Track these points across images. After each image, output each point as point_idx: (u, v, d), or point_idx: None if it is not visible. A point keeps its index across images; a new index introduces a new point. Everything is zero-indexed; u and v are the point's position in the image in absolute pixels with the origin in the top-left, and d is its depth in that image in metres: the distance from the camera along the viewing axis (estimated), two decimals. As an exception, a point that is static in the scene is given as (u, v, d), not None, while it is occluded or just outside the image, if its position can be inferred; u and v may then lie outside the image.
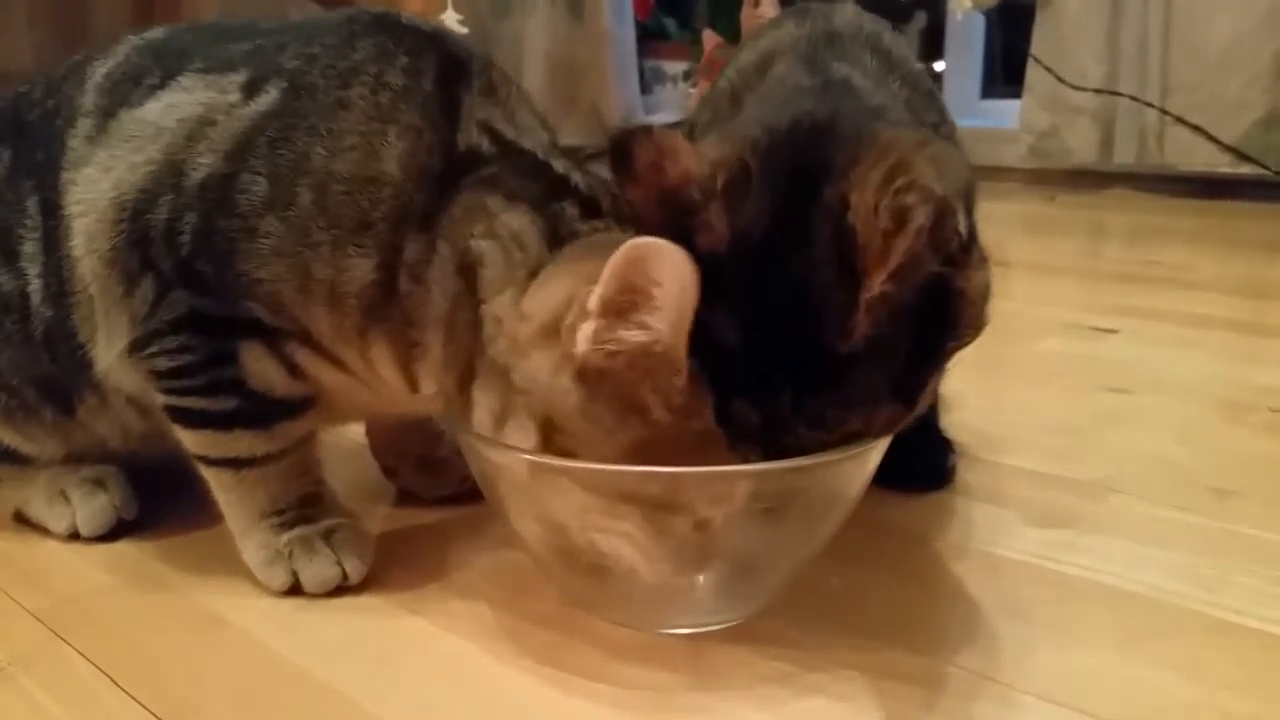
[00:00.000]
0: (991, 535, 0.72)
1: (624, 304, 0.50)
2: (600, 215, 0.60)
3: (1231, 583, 0.65)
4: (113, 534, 0.75)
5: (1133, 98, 2.14)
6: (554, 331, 0.54)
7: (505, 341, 0.57)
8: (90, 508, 0.74)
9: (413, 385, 0.63)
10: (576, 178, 0.62)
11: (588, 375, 0.53)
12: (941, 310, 0.53)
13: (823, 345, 0.51)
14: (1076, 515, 0.75)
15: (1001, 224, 1.94)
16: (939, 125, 0.70)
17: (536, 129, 0.65)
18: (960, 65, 2.74)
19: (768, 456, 0.54)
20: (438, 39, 0.65)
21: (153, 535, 0.75)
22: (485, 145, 0.62)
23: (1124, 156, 2.20)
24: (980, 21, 2.66)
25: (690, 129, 0.74)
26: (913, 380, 0.55)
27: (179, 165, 0.62)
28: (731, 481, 0.55)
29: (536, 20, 3.06)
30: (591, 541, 0.56)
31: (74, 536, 0.74)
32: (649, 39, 3.19)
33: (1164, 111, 2.09)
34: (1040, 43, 2.27)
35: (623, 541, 0.55)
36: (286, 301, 0.62)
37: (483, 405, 0.58)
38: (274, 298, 0.62)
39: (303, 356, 0.64)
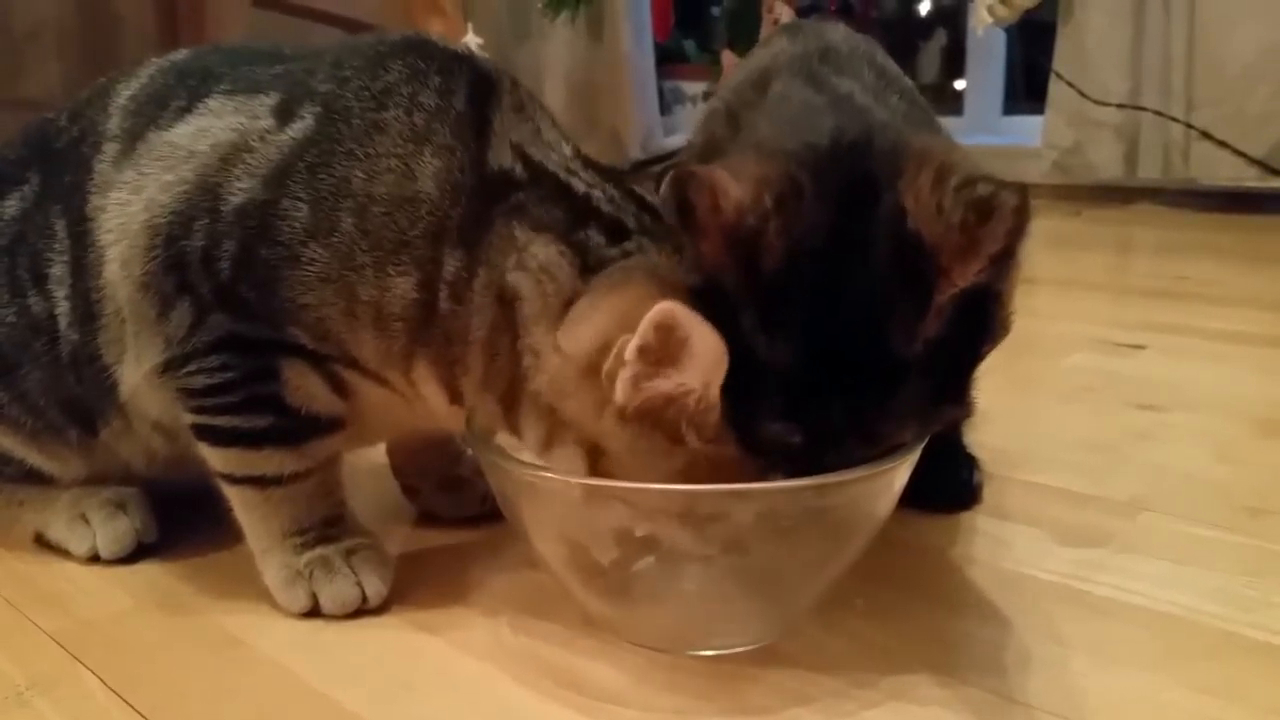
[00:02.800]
0: (1021, 555, 0.71)
1: (662, 357, 0.51)
2: (627, 236, 0.59)
3: (1270, 603, 0.64)
4: (132, 557, 0.75)
5: (1157, 112, 2.12)
6: (594, 372, 0.55)
7: (546, 378, 0.58)
8: (111, 530, 0.74)
9: (455, 400, 0.63)
10: (598, 196, 0.61)
11: (630, 416, 0.54)
12: (980, 312, 0.53)
13: (884, 354, 0.52)
14: (1108, 534, 0.74)
15: (1028, 240, 1.91)
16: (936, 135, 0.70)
17: (560, 144, 0.64)
18: (982, 82, 2.73)
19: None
20: (467, 59, 0.65)
21: (172, 558, 0.75)
22: (518, 169, 0.62)
23: (1149, 171, 2.18)
24: (1001, 38, 2.66)
25: (689, 152, 0.74)
26: (958, 381, 0.55)
27: (214, 189, 0.62)
28: (758, 499, 0.55)
29: (556, 43, 3.07)
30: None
31: (94, 559, 0.74)
32: (668, 60, 3.20)
33: (1189, 126, 2.07)
34: (1062, 58, 2.26)
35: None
36: (333, 327, 0.62)
37: (529, 434, 0.60)
38: (320, 324, 0.62)
39: (347, 375, 0.64)
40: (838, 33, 0.72)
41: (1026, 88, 2.73)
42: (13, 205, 0.72)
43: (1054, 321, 1.35)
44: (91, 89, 0.73)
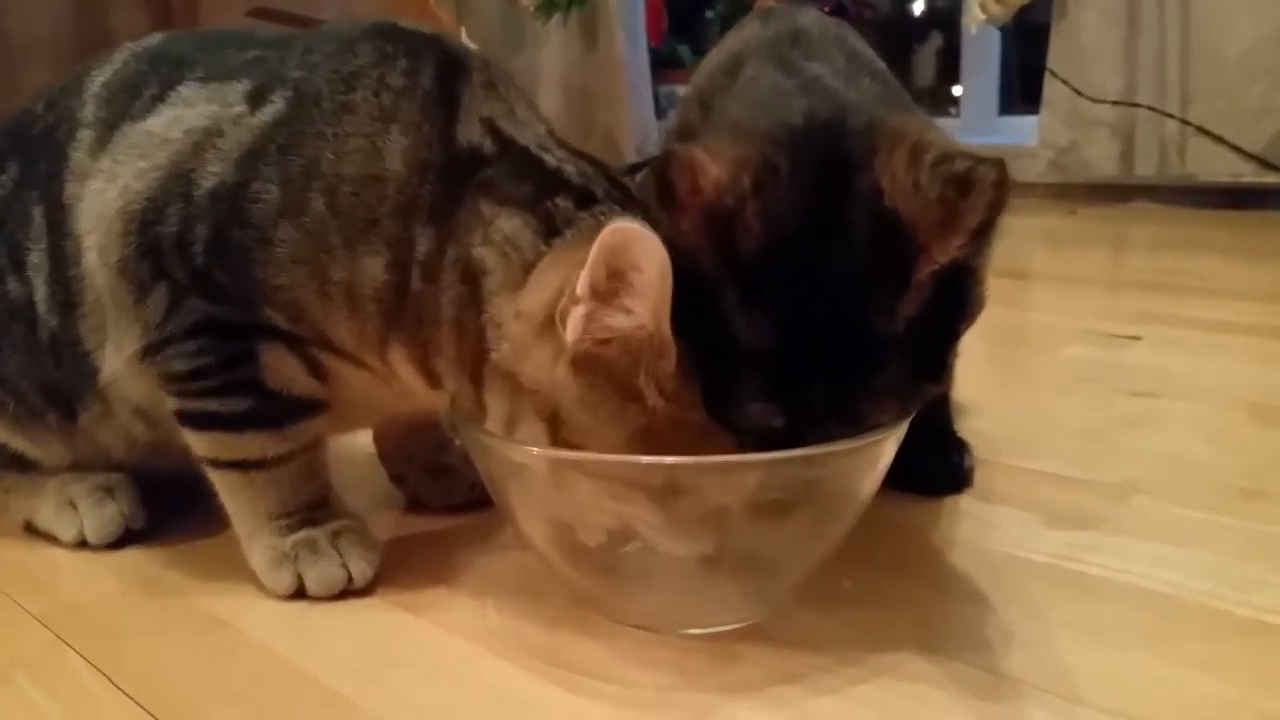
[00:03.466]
0: (1011, 537, 0.71)
1: (607, 289, 0.51)
2: (596, 202, 0.59)
3: (1263, 582, 0.63)
4: (120, 543, 0.74)
5: (1152, 108, 2.12)
6: (551, 324, 0.55)
7: (507, 345, 0.57)
8: (98, 516, 0.74)
9: (432, 382, 0.63)
10: (569, 169, 0.61)
11: (582, 363, 0.53)
12: (957, 290, 0.53)
13: (864, 333, 0.52)
14: (1100, 517, 0.73)
15: (1021, 238, 1.92)
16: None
17: (533, 123, 0.64)
18: (977, 83, 2.73)
19: None
20: (436, 39, 0.65)
21: (160, 544, 0.75)
22: (487, 144, 0.62)
23: (1145, 169, 2.18)
24: (996, 40, 2.66)
25: (664, 137, 0.74)
26: (936, 359, 0.55)
27: (187, 175, 0.62)
28: (741, 471, 0.54)
29: (551, 49, 3.08)
30: (602, 527, 0.56)
31: (81, 545, 0.74)
32: (662, 65, 3.20)
33: (1184, 122, 2.07)
34: (1057, 57, 2.26)
35: (638, 522, 0.55)
36: (307, 309, 0.62)
37: (494, 411, 0.58)
38: (294, 306, 0.62)
39: (324, 357, 0.64)
40: (809, 16, 0.72)
41: (1022, 89, 2.73)
42: None
43: (1048, 315, 1.35)
44: (67, 77, 0.73)
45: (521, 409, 0.57)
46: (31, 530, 0.77)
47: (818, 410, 0.53)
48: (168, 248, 0.62)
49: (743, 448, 0.55)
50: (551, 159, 0.61)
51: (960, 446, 0.81)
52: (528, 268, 0.58)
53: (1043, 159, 2.32)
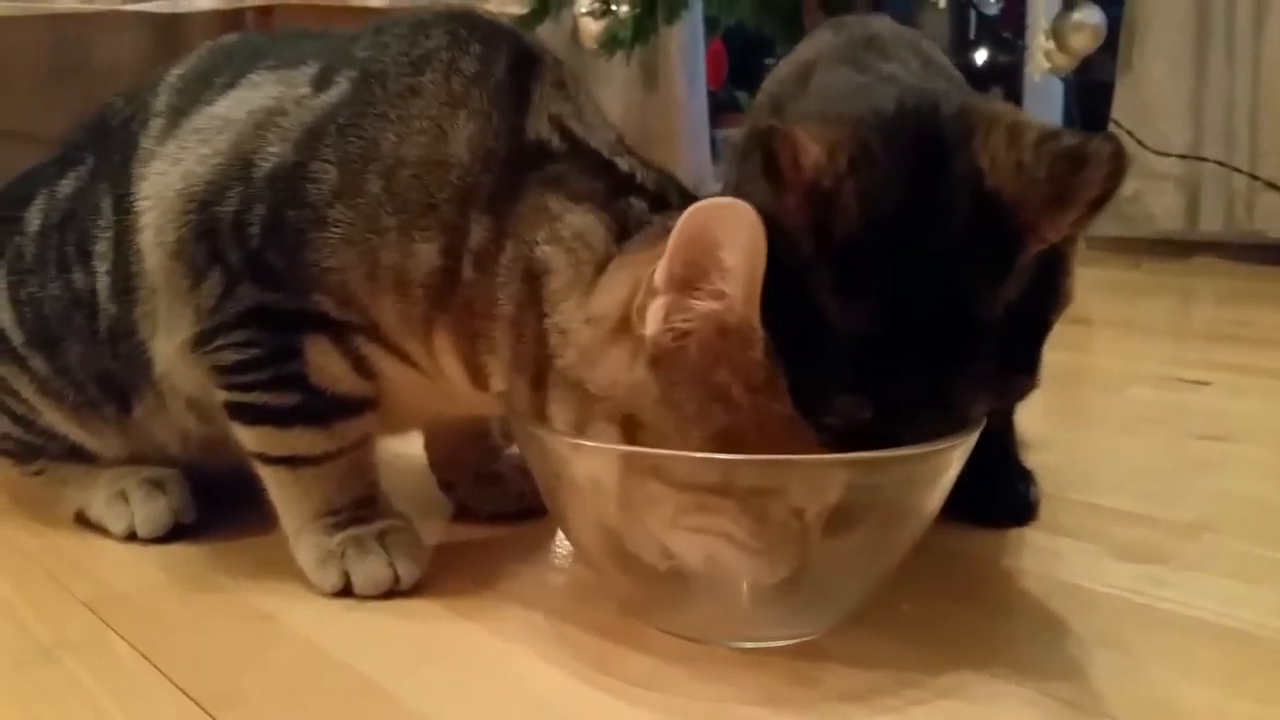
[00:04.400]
0: (1078, 568, 0.68)
1: (691, 274, 0.49)
2: (670, 208, 0.58)
3: (1344, 622, 0.60)
4: (169, 537, 0.74)
5: (1219, 163, 2.08)
6: (625, 326, 0.53)
7: (574, 351, 0.55)
8: (149, 509, 0.74)
9: (477, 380, 0.61)
10: (642, 175, 0.61)
11: (662, 361, 0.51)
12: (1049, 279, 0.52)
13: (964, 318, 0.50)
14: (1169, 552, 0.70)
15: (1083, 287, 1.87)
16: None
17: (603, 128, 0.64)
18: (1038, 135, 2.71)
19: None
20: (511, 32, 0.65)
21: (208, 540, 0.74)
22: (555, 141, 0.61)
23: (1210, 224, 2.13)
24: (1059, 92, 2.64)
25: (731, 150, 0.73)
26: (1030, 350, 0.54)
27: (248, 156, 0.62)
28: (830, 470, 0.52)
29: (612, 88, 3.11)
30: (673, 549, 0.53)
31: (131, 537, 0.74)
32: (721, 109, 3.22)
33: (1253, 177, 2.03)
34: (1121, 109, 2.24)
35: (720, 540, 0.52)
36: (354, 291, 0.61)
37: (559, 418, 0.56)
38: (343, 288, 0.61)
39: (369, 350, 0.63)
40: (882, 23, 0.72)
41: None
42: (68, 184, 0.74)
43: (1112, 359, 1.32)
44: (151, 73, 0.75)
45: (591, 417, 0.54)
46: (83, 521, 0.77)
47: (911, 402, 0.52)
48: (225, 230, 0.62)
49: (825, 447, 0.52)
50: (624, 163, 0.61)
51: (1026, 477, 0.78)
52: (599, 268, 0.56)
53: (1105, 211, 2.28)
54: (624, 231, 0.57)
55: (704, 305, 0.49)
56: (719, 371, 0.50)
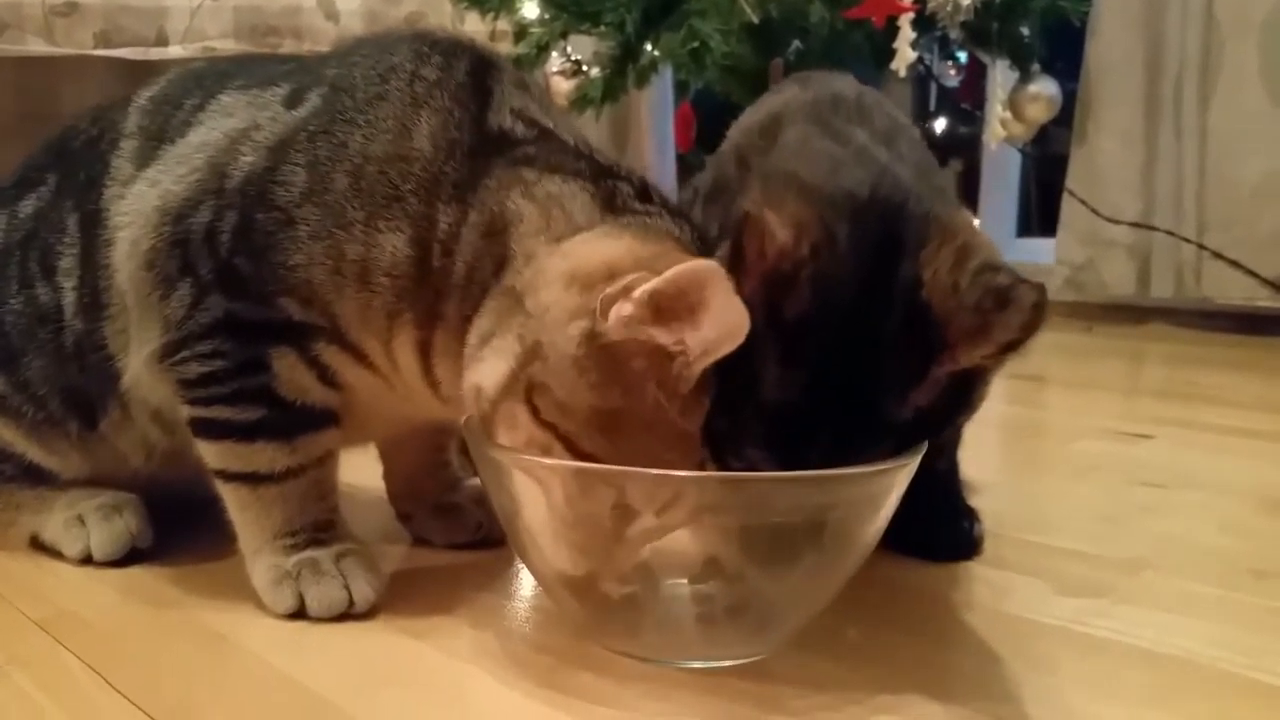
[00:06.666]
0: (1023, 601, 0.70)
1: (666, 314, 0.51)
2: (652, 202, 0.61)
3: (1273, 651, 0.62)
4: (125, 560, 0.74)
5: (1169, 232, 2.15)
6: (585, 283, 0.55)
7: (530, 273, 0.58)
8: (105, 532, 0.74)
9: (430, 378, 0.63)
10: (622, 168, 0.63)
11: (598, 339, 0.53)
12: (965, 388, 0.55)
13: (874, 414, 0.53)
14: (1111, 587, 0.72)
15: (1037, 349, 1.92)
16: (945, 189, 0.71)
17: (573, 129, 0.66)
18: (996, 205, 2.78)
19: None
20: (471, 43, 0.68)
21: (165, 563, 0.75)
22: (520, 129, 0.64)
23: (1161, 290, 2.20)
24: (1016, 163, 2.72)
25: (693, 193, 0.76)
26: (926, 440, 0.56)
27: (221, 169, 0.64)
28: (678, 487, 0.54)
29: (583, 149, 3.16)
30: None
31: (86, 561, 0.74)
32: (689, 172, 3.28)
33: (1201, 246, 2.10)
34: (1076, 178, 2.31)
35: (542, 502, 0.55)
36: (318, 288, 0.62)
37: (478, 328, 0.59)
38: (306, 286, 0.62)
39: (330, 356, 0.64)
40: (844, 82, 0.75)
41: (1040, 216, 2.78)
42: (29, 204, 0.76)
43: (1062, 414, 1.35)
44: (116, 97, 0.76)
45: (505, 327, 0.57)
46: (38, 545, 0.77)
47: (808, 468, 0.54)
48: (197, 240, 0.64)
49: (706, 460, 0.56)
50: (602, 157, 0.63)
51: (970, 514, 0.80)
52: (577, 227, 0.58)
53: (1059, 276, 2.34)
54: (611, 205, 0.60)
55: (663, 337, 0.52)
56: (641, 377, 0.53)
